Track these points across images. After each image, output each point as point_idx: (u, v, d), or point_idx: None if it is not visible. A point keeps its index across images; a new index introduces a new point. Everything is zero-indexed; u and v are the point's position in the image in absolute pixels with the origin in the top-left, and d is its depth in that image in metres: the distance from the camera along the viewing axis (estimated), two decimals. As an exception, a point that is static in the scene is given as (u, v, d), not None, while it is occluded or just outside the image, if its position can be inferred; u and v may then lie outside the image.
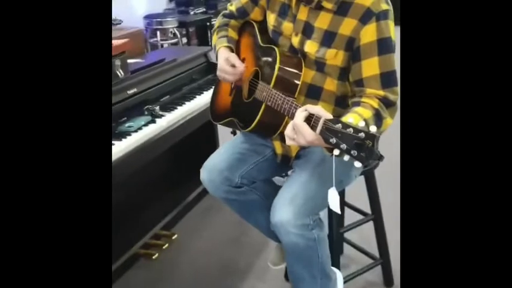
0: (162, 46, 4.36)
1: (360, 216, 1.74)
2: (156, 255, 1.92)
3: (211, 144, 2.34)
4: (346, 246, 1.89)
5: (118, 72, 1.67)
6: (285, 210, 1.23)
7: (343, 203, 1.81)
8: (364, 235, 1.89)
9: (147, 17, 4.38)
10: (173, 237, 2.03)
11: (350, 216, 1.80)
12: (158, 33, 4.25)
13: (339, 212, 1.19)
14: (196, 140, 2.12)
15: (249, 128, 1.35)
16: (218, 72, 1.44)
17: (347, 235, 1.82)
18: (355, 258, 1.86)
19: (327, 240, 1.34)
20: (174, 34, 4.52)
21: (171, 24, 4.33)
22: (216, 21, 1.60)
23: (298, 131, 1.06)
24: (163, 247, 1.96)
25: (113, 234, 1.79)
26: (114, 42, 1.68)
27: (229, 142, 1.51)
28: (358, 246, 1.82)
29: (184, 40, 4.64)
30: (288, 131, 1.08)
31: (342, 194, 1.74)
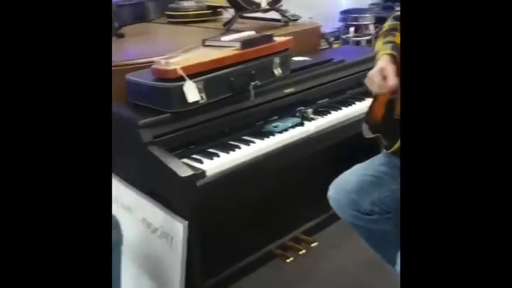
0: (358, 43, 4.20)
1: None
2: (291, 258, 1.87)
3: (373, 152, 2.14)
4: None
5: (276, 71, 1.64)
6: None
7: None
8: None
9: (343, 12, 4.29)
10: (312, 245, 1.96)
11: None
12: (351, 29, 4.12)
13: None
14: (358, 146, 1.96)
15: (391, 150, 1.19)
16: (366, 79, 1.29)
17: None
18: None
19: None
20: (373, 31, 4.31)
21: (366, 20, 4.15)
22: (385, 24, 1.42)
23: None
24: (300, 252, 1.90)
25: (253, 229, 1.85)
26: (277, 39, 1.66)
27: (367, 161, 1.34)
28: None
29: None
30: None
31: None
